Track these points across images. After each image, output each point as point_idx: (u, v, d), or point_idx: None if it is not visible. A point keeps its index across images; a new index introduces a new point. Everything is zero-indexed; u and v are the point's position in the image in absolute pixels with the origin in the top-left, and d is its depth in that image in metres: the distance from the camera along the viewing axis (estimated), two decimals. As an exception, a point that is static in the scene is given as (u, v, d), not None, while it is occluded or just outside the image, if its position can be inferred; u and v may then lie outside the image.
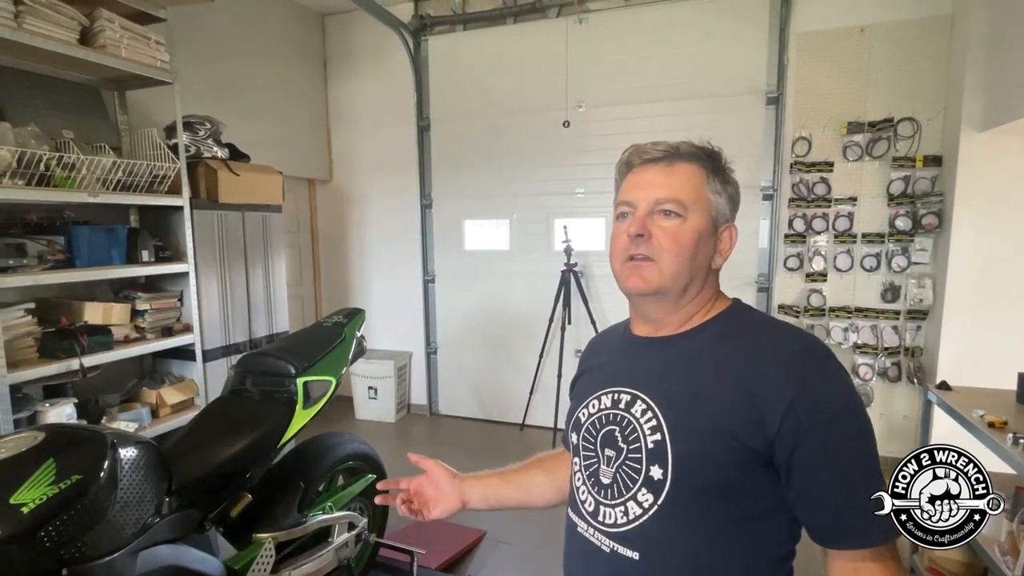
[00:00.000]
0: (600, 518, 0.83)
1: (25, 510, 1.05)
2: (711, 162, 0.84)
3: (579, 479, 0.88)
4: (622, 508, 0.80)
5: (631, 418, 0.82)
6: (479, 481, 1.04)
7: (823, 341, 0.88)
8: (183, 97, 2.64)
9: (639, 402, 0.82)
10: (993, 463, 1.75)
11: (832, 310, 3.36)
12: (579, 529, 0.87)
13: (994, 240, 2.91)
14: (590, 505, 0.85)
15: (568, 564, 0.92)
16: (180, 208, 2.64)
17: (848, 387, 0.75)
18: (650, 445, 0.78)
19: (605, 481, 0.83)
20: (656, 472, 0.77)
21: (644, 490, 0.78)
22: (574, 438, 0.91)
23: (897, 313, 3.26)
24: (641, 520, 0.78)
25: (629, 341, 0.92)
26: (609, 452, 0.83)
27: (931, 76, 3.09)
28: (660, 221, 0.81)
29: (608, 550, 0.81)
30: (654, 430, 0.78)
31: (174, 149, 2.59)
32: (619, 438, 0.82)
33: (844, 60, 3.23)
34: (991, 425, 1.80)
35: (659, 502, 0.77)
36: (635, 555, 0.78)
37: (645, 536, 0.78)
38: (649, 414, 0.80)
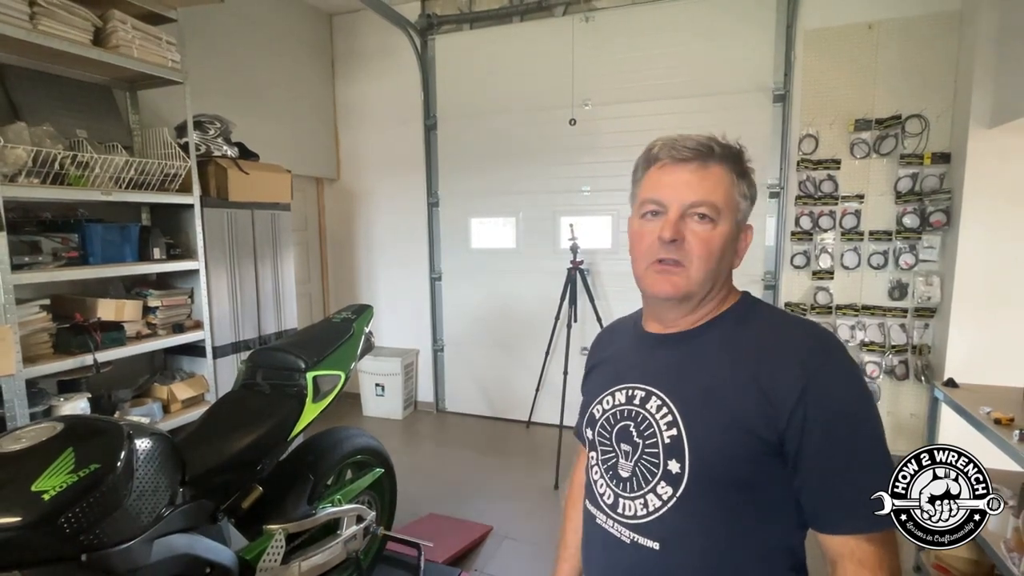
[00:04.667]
0: (620, 510, 0.85)
1: (46, 497, 1.08)
2: (738, 164, 0.83)
3: (597, 472, 0.90)
4: (641, 500, 0.82)
5: (646, 414, 0.83)
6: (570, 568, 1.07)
7: (835, 334, 0.91)
8: (193, 96, 2.68)
9: (654, 398, 0.84)
10: (1000, 460, 1.76)
11: (839, 308, 3.35)
12: (598, 520, 0.89)
13: (1003, 237, 2.89)
14: (609, 497, 0.87)
15: (587, 554, 0.94)
16: (191, 206, 2.68)
17: (858, 379, 0.77)
18: (666, 440, 0.80)
19: (624, 475, 0.85)
20: (674, 466, 0.79)
21: (663, 483, 0.80)
22: (589, 433, 0.92)
23: (904, 311, 3.25)
24: (661, 512, 0.80)
25: (641, 337, 0.93)
26: (626, 447, 0.85)
27: (940, 72, 3.07)
28: (692, 225, 0.80)
29: (628, 540, 0.83)
30: (670, 425, 0.80)
31: (185, 148, 2.63)
32: (634, 433, 0.84)
33: (852, 57, 3.22)
34: (998, 422, 1.80)
35: (677, 494, 0.79)
36: (655, 545, 0.81)
37: (665, 527, 0.80)
38: (664, 410, 0.82)
